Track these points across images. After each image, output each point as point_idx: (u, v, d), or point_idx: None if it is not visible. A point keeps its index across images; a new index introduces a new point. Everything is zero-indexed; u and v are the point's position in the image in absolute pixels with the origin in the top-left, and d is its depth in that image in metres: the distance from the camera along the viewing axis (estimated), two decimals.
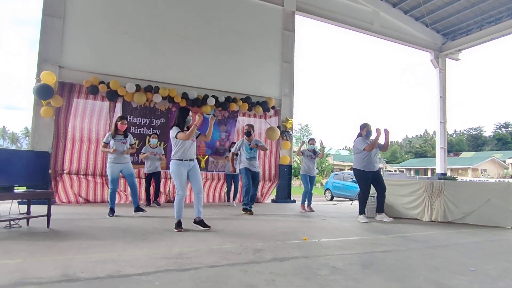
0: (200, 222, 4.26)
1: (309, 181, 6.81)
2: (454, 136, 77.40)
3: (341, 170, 49.53)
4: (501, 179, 33.18)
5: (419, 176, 6.16)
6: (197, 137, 4.39)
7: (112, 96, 7.35)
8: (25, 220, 4.01)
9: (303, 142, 7.26)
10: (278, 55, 9.69)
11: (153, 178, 7.12)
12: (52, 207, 4.49)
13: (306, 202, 6.87)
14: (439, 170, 12.13)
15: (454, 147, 67.85)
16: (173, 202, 7.67)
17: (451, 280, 2.41)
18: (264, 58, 9.48)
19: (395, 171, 54.77)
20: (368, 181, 5.48)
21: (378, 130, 5.47)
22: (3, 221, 3.64)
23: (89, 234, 3.69)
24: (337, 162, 46.86)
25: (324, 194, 16.04)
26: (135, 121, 7.77)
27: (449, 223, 5.53)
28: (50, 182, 6.77)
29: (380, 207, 5.59)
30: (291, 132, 9.55)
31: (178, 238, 3.65)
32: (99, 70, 7.41)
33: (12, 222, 3.84)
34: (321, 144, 7.26)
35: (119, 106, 7.59)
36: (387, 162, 59.46)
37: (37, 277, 2.19)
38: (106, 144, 5.23)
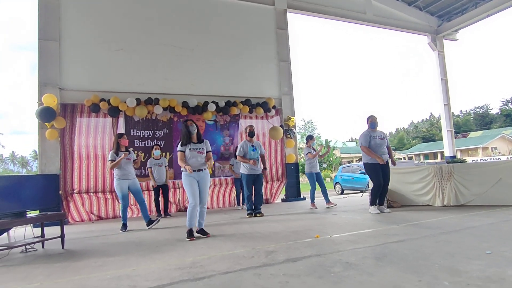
0: (200, 231, 4.33)
1: (316, 178, 6.78)
2: (460, 116, 76.45)
3: (349, 162, 49.24)
4: None
5: (428, 161, 6.08)
6: (207, 152, 4.43)
7: (114, 112, 7.43)
8: (40, 243, 4.07)
9: (322, 146, 7.31)
10: (274, 54, 9.69)
11: (161, 189, 7.17)
12: (66, 227, 4.58)
13: (317, 200, 6.86)
14: (447, 153, 12.00)
15: (462, 127, 66.99)
16: (184, 211, 7.79)
17: (467, 266, 2.39)
18: (260, 59, 9.49)
19: (404, 157, 54.32)
20: (379, 172, 5.43)
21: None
22: (19, 246, 3.70)
23: (103, 251, 3.73)
24: (345, 154, 46.60)
25: (334, 188, 15.96)
26: (139, 134, 7.84)
27: (462, 206, 5.47)
28: (62, 203, 6.87)
29: (381, 200, 5.57)
30: (294, 130, 9.54)
31: (190, 247, 3.67)
32: (98, 88, 7.50)
33: (28, 246, 3.90)
34: (323, 146, 7.32)
35: (121, 121, 7.67)
36: (395, 150, 58.99)
37: None
38: (113, 161, 5.28)
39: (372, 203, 5.51)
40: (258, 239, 3.83)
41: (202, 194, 4.33)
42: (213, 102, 8.34)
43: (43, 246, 4.11)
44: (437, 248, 2.95)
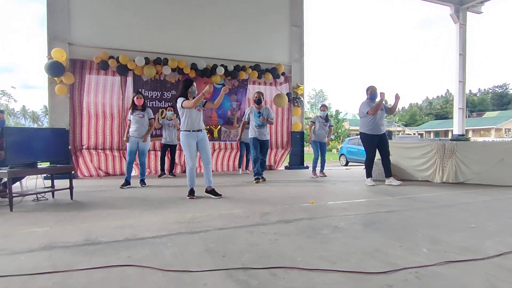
0: (211, 191, 4.44)
1: (320, 147, 6.85)
2: (478, 95, 74.10)
3: (357, 135, 48.95)
4: None
5: (436, 138, 6.07)
6: (204, 105, 4.47)
7: (123, 70, 7.45)
8: (51, 193, 4.32)
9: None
10: (287, 19, 9.39)
11: (169, 149, 7.36)
12: (75, 180, 4.84)
13: (318, 168, 6.97)
14: (456, 131, 11.86)
15: (477, 107, 65.19)
16: None
17: (449, 237, 2.50)
18: (272, 23, 9.23)
19: (414, 133, 53.67)
20: (374, 145, 5.49)
21: (382, 94, 5.40)
22: (31, 194, 3.95)
23: (109, 204, 3.96)
24: (354, 127, 46.12)
25: (339, 159, 16.10)
26: (147, 94, 7.89)
27: (460, 184, 5.53)
28: (71, 157, 7.14)
29: (387, 171, 5.62)
30: (302, 99, 9.48)
31: (191, 205, 3.87)
32: (108, 45, 7.47)
33: (39, 195, 4.15)
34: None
35: (130, 80, 7.71)
36: (406, 125, 58.15)
37: (64, 242, 2.43)
38: (130, 121, 5.48)
39: (368, 175, 5.60)
40: (256, 202, 4.00)
41: (204, 153, 4.44)
42: (222, 65, 8.26)
43: (53, 196, 4.37)
44: (426, 220, 3.06)
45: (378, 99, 5.50)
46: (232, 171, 8.74)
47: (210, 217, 3.19)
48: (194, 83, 4.45)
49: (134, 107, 5.55)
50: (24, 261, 2.05)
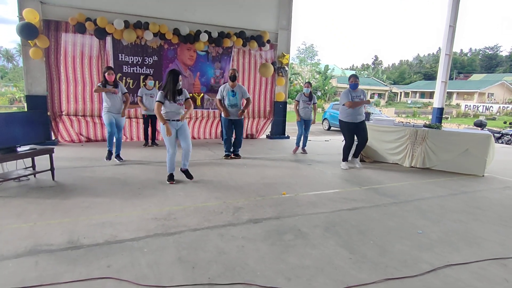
0: (185, 171, 4.70)
1: (304, 124, 7.02)
2: (468, 55, 73.76)
3: (312, 93, 48.72)
4: (506, 105, 32.93)
5: (406, 122, 6.35)
6: (185, 101, 4.49)
7: (101, 34, 7.12)
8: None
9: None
10: None
11: (150, 119, 7.38)
12: (56, 148, 4.97)
13: (300, 144, 7.22)
14: (436, 104, 12.15)
15: (466, 68, 65.32)
16: None
17: (395, 246, 2.85)
18: None
19: (401, 93, 54.09)
20: (351, 132, 5.72)
21: (368, 101, 5.61)
22: (12, 179, 4.06)
23: (90, 189, 4.13)
24: (341, 84, 45.86)
25: (322, 123, 16.39)
26: (127, 59, 7.66)
27: (426, 170, 5.93)
28: (51, 124, 7.10)
29: (356, 153, 5.94)
30: (286, 68, 9.38)
31: (169, 192, 4.09)
32: (84, 5, 7.03)
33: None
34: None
35: (109, 43, 7.41)
36: (393, 84, 58.22)
37: (48, 244, 2.64)
38: (98, 87, 5.41)
39: (344, 159, 5.90)
40: (231, 190, 4.26)
41: (184, 142, 4.57)
42: (205, 31, 7.97)
43: (34, 176, 4.49)
44: (381, 221, 3.41)
45: (360, 95, 5.65)
46: (215, 138, 8.91)
47: (186, 212, 3.44)
48: (180, 77, 4.41)
49: (106, 82, 5.46)
50: (12, 270, 2.27)
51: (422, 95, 51.18)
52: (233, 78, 6.04)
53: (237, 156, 6.40)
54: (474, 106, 34.13)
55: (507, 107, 32.46)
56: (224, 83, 8.64)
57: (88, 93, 7.46)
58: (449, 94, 43.61)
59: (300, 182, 4.83)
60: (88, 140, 7.69)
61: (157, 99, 4.34)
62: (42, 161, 4.56)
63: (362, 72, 67.85)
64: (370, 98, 47.49)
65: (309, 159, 6.57)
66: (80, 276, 2.21)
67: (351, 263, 2.53)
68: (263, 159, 6.46)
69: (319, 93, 38.95)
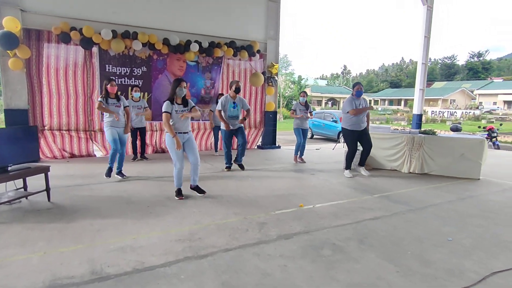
0: (195, 188, 4.48)
1: (302, 133, 6.99)
2: (429, 64, 78.35)
3: (318, 102, 50.14)
4: (468, 111, 35.10)
5: (406, 130, 6.48)
6: (191, 109, 4.29)
7: (87, 44, 6.76)
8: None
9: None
10: None
11: (139, 132, 7.04)
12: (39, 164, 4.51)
13: (298, 153, 7.17)
14: (415, 111, 12.64)
15: (428, 76, 69.32)
16: (161, 152, 7.84)
17: (433, 255, 2.81)
18: None
19: (370, 100, 56.24)
20: (355, 139, 5.74)
21: (371, 107, 5.68)
22: (5, 203, 3.64)
23: (94, 209, 3.79)
24: (315, 93, 47.03)
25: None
26: (115, 71, 7.32)
27: (425, 175, 6.06)
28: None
29: (362, 161, 5.97)
30: (276, 78, 9.39)
31: (183, 209, 3.85)
32: (68, 14, 6.66)
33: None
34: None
35: (95, 54, 7.04)
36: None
37: (68, 277, 2.34)
38: (101, 103, 5.08)
39: (347, 167, 5.91)
40: (246, 205, 4.07)
41: (192, 155, 4.36)
42: (196, 41, 7.81)
43: (26, 198, 4.07)
44: (407, 230, 3.38)
45: (362, 103, 5.72)
46: (205, 150, 8.66)
47: (209, 231, 3.22)
48: (183, 83, 4.20)
49: (107, 95, 5.15)
50: None
51: (391, 102, 53.47)
52: (238, 90, 5.92)
53: (240, 167, 6.22)
54: (440, 112, 36.07)
55: (469, 112, 34.59)
56: (214, 93, 8.51)
57: (73, 106, 7.00)
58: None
59: (311, 193, 4.74)
60: (72, 156, 7.19)
61: (163, 110, 4.11)
62: (33, 181, 4.15)
63: (333, 82, 69.97)
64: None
65: (309, 168, 6.52)
66: None
67: (400, 277, 2.44)
68: (264, 170, 6.32)
69: (294, 102, 39.45)
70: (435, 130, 6.48)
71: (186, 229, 3.27)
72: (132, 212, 3.74)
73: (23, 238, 2.98)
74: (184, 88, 4.18)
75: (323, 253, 2.81)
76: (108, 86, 5.10)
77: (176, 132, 4.15)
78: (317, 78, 66.98)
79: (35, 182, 4.19)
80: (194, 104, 4.38)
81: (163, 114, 4.09)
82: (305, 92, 7.23)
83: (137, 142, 7.14)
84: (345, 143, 6.08)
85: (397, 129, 6.86)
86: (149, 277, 2.37)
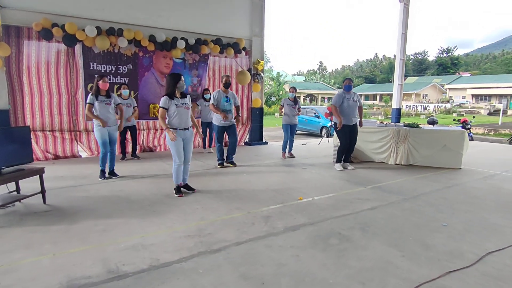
0: (185, 186, 4.50)
1: (290, 129, 7.10)
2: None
3: (297, 98, 50.53)
4: (440, 104, 36.66)
5: (391, 124, 6.74)
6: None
7: (70, 41, 6.54)
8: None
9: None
10: None
11: (128, 131, 6.91)
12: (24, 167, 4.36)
13: (287, 149, 7.27)
14: (394, 105, 13.10)
15: (394, 71, 71.59)
16: (148, 151, 7.74)
17: (432, 239, 3.00)
18: None
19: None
20: (346, 134, 5.92)
21: (339, 123, 5.81)
22: (2, 206, 3.51)
23: (93, 209, 3.73)
24: None
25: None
26: (99, 68, 7.12)
27: (410, 166, 6.34)
28: None
29: (346, 157, 6.15)
30: (262, 75, 9.46)
31: (184, 207, 3.85)
32: (49, 10, 6.41)
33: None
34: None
35: (78, 51, 6.82)
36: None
37: (85, 277, 2.32)
38: (91, 105, 4.91)
39: (338, 160, 6.09)
40: (247, 200, 4.13)
41: (187, 153, 4.38)
42: (182, 38, 7.73)
43: (20, 201, 3.93)
44: (405, 218, 3.56)
45: (353, 97, 5.90)
46: (193, 148, 8.58)
47: (217, 226, 3.26)
48: (182, 77, 4.19)
49: (98, 92, 5.02)
50: None
51: (366, 97, 54.87)
52: (227, 85, 5.95)
53: (232, 164, 6.25)
54: (414, 106, 37.47)
55: (441, 105, 36.17)
56: (201, 90, 8.46)
57: (56, 106, 6.77)
58: (390, 96, 47.35)
59: (306, 186, 4.86)
60: (56, 157, 6.94)
61: (160, 105, 4.08)
62: (24, 184, 4.01)
63: (310, 78, 70.86)
64: (320, 101, 49.77)
65: (300, 163, 6.65)
66: None
67: (407, 260, 2.60)
68: (256, 165, 6.39)
69: (273, 99, 39.73)
70: (419, 124, 6.78)
71: (193, 225, 3.29)
72: (133, 211, 3.71)
73: (26, 241, 2.90)
74: (183, 81, 4.17)
75: (331, 242, 2.93)
76: (100, 82, 4.97)
77: (177, 128, 4.14)
78: (294, 75, 67.66)
79: (27, 184, 4.06)
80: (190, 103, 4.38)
81: (160, 109, 4.07)
82: (294, 88, 7.33)
83: (125, 141, 7.02)
84: (329, 138, 6.25)
85: (383, 123, 7.11)
86: (167, 273, 2.39)
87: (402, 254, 2.71)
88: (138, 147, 7.82)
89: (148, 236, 3.03)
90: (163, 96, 4.13)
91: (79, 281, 2.27)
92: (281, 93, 41.13)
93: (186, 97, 4.28)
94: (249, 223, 3.36)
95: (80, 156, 7.19)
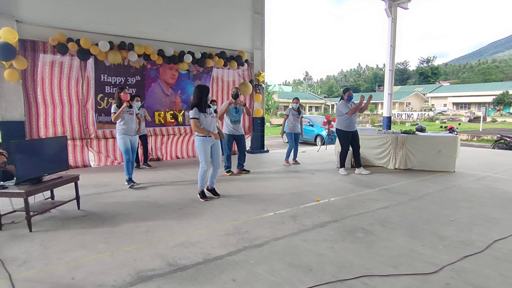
0: (212, 190, 4.79)
1: (294, 138, 7.50)
2: (383, 69, 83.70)
3: (285, 107, 51.29)
4: (423, 112, 38.01)
5: (389, 131, 7.22)
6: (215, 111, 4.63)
7: (84, 55, 6.79)
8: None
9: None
10: (249, 5, 9.44)
11: (140, 140, 7.14)
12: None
13: (291, 157, 7.65)
14: (385, 114, 13.79)
15: (384, 81, 73.96)
16: (156, 160, 7.95)
17: (444, 231, 3.40)
18: (235, 8, 9.19)
19: (333, 105, 58.75)
20: (348, 140, 6.36)
21: (362, 97, 6.24)
22: (43, 212, 3.71)
23: (129, 213, 3.96)
24: (282, 99, 48.21)
25: (282, 136, 17.08)
26: (110, 80, 7.37)
27: (408, 170, 6.81)
28: None
29: (358, 163, 6.58)
30: (263, 85, 9.87)
31: (213, 209, 4.14)
32: (64, 25, 6.65)
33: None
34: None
35: (90, 64, 7.05)
36: (326, 97, 63.06)
37: (149, 269, 2.58)
38: (114, 113, 5.18)
39: (342, 165, 6.51)
40: (269, 203, 4.45)
41: (215, 159, 4.68)
42: (189, 52, 8.07)
43: (57, 207, 4.11)
44: (416, 215, 3.96)
45: (357, 101, 6.33)
46: (187, 157, 8.81)
47: (251, 226, 3.56)
48: (209, 91, 4.53)
49: (120, 103, 5.28)
50: None
51: None
52: (236, 96, 6.29)
53: (245, 171, 6.56)
54: (398, 114, 38.74)
55: (424, 113, 37.56)
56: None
57: (67, 116, 6.95)
58: (375, 105, 48.82)
59: (319, 189, 5.23)
60: (69, 166, 7.07)
61: (191, 116, 4.37)
62: (57, 191, 4.21)
63: (296, 87, 72.04)
64: (308, 111, 50.71)
65: (306, 169, 7.03)
66: None
67: (428, 248, 2.98)
68: (265, 172, 6.73)
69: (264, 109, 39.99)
70: (414, 131, 7.29)
71: (228, 225, 3.59)
72: (167, 214, 3.97)
73: (79, 242, 3.13)
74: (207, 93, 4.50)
75: (358, 235, 3.28)
76: (121, 94, 5.25)
77: (205, 136, 4.44)
78: (280, 84, 68.78)
79: (59, 192, 4.25)
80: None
81: (192, 120, 4.37)
82: (297, 99, 7.76)
83: (138, 150, 7.23)
84: (326, 145, 6.66)
85: (381, 131, 7.59)
86: (222, 264, 2.68)
87: (422, 243, 3.09)
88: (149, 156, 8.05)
89: (191, 235, 3.31)
90: (192, 107, 4.42)
91: (146, 273, 2.53)
92: (270, 102, 41.75)
93: (210, 107, 4.60)
94: (279, 222, 3.68)
95: (91, 166, 7.34)
